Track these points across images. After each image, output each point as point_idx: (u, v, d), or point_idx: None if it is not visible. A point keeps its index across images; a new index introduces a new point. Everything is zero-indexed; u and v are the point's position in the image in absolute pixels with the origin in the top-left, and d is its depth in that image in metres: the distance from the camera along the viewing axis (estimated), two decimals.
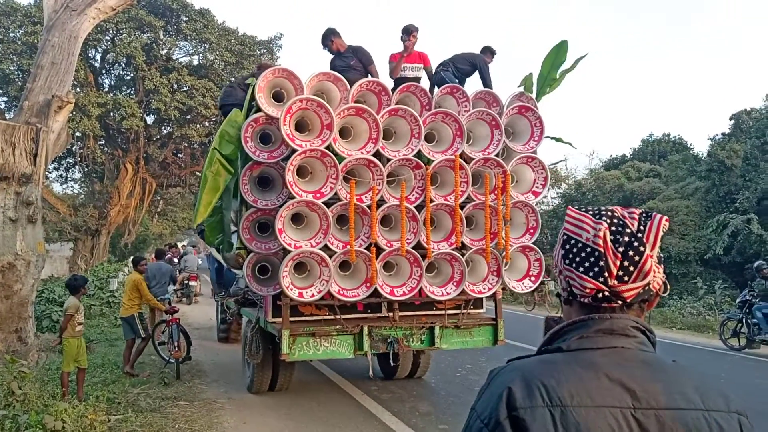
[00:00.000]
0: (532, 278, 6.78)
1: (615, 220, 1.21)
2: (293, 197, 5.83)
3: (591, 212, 1.25)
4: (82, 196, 32.24)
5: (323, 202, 5.91)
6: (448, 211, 6.36)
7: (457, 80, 7.38)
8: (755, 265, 12.13)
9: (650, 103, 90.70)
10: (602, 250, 1.18)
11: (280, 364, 7.11)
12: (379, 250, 6.17)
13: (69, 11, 9.45)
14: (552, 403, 1.08)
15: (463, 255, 6.38)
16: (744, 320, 11.64)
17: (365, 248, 6.11)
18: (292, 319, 6.13)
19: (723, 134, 23.03)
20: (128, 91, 26.14)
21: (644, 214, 1.23)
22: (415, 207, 6.25)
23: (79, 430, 5.48)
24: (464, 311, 6.69)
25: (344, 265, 6.27)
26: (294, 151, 5.82)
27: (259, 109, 6.04)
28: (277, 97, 6.25)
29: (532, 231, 6.78)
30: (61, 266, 26.65)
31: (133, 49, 22.63)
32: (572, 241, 1.25)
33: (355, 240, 6.05)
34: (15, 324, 8.24)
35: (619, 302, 1.20)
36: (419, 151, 6.29)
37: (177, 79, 23.82)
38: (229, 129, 6.33)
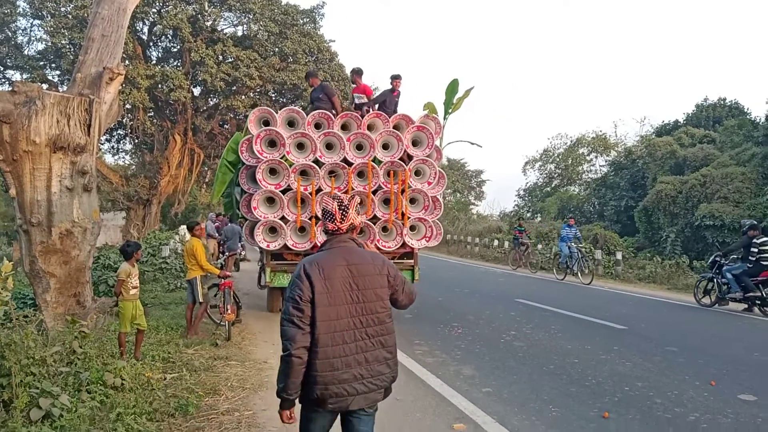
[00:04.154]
0: (427, 238, 10.17)
1: (339, 200, 3.15)
2: (261, 188, 9.53)
3: (331, 198, 3.18)
4: (133, 166, 33.17)
5: (281, 191, 9.61)
6: (365, 195, 9.71)
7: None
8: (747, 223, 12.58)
9: (705, 67, 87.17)
10: (334, 212, 3.12)
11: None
12: (318, 219, 9.13)
13: None
14: (319, 265, 3.01)
15: (375, 223, 9.89)
16: (714, 279, 12.48)
17: (308, 218, 9.67)
18: (275, 262, 9.98)
19: None
20: (175, 63, 26.56)
21: (349, 197, 3.23)
22: (343, 192, 9.44)
23: (137, 387, 5.74)
24: (393, 260, 9.60)
25: (303, 230, 9.84)
26: (261, 160, 9.50)
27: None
28: (266, 123, 9.96)
29: (426, 208, 10.12)
30: (114, 235, 27.60)
31: (179, 21, 22.90)
32: (324, 210, 3.18)
33: (303, 214, 9.68)
34: (74, 288, 8.59)
35: (340, 232, 3.13)
36: (345, 158, 9.73)
37: (222, 51, 24.05)
38: (233, 145, 10.92)
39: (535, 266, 21.00)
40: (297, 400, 3.00)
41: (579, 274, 17.39)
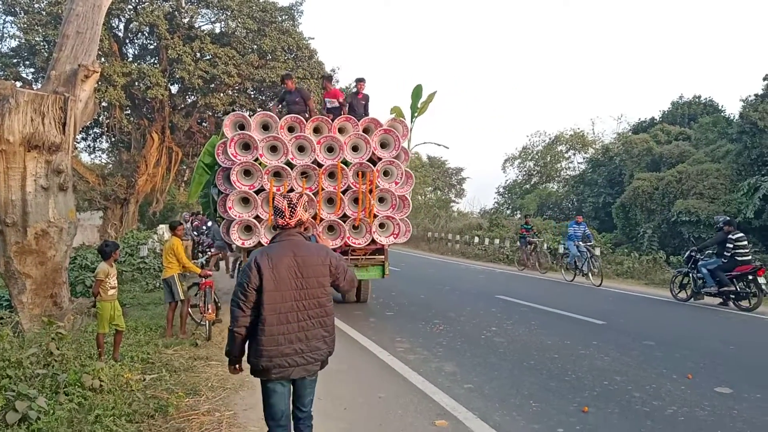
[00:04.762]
0: (395, 235, 10.55)
1: (288, 199, 3.67)
2: (236, 188, 9.91)
3: (281, 197, 3.70)
4: (110, 165, 32.69)
5: (255, 191, 9.99)
6: (335, 194, 10.19)
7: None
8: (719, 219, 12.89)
9: (681, 65, 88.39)
10: (284, 209, 3.64)
11: None
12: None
13: None
14: (269, 255, 3.56)
15: (345, 221, 10.23)
16: (690, 274, 12.73)
17: None
18: None
19: (756, 95, 22.23)
20: (152, 61, 26.25)
21: (297, 195, 3.78)
22: (314, 193, 10.05)
23: (116, 389, 5.67)
24: (364, 256, 10.70)
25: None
26: (235, 162, 9.89)
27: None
28: (242, 127, 10.33)
29: (393, 206, 10.50)
30: (92, 235, 27.21)
31: (156, 17, 22.63)
32: (276, 208, 3.69)
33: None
34: (50, 289, 8.48)
35: (289, 227, 3.66)
36: (316, 159, 10.18)
37: (200, 48, 23.80)
38: (209, 147, 11.12)
39: (545, 267, 19.74)
40: (253, 375, 3.71)
41: (589, 275, 16.30)
